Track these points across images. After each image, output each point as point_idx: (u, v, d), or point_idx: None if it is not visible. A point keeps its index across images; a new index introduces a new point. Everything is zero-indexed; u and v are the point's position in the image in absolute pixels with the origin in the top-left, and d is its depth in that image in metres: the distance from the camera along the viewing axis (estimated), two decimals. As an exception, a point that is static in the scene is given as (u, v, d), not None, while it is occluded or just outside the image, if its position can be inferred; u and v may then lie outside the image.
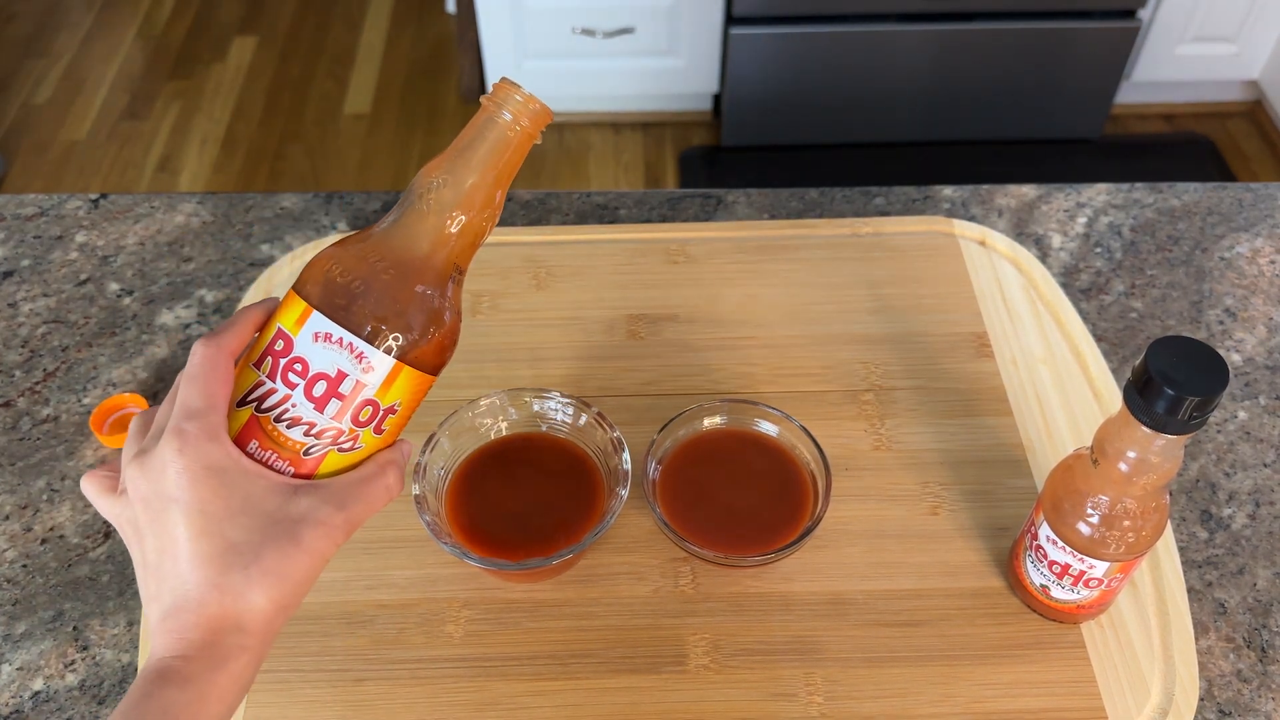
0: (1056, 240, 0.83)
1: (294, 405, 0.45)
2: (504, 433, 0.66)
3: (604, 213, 0.85)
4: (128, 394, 0.72)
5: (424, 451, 0.62)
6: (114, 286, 0.80)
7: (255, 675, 0.43)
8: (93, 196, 0.86)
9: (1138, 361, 0.48)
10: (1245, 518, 0.66)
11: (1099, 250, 0.82)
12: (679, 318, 0.75)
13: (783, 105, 2.02)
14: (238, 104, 2.23)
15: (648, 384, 0.72)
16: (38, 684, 0.60)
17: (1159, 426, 0.48)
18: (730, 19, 1.91)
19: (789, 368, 0.72)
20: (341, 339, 0.45)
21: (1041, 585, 0.58)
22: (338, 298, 0.45)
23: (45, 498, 0.68)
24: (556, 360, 0.73)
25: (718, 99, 2.14)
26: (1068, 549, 0.55)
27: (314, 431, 0.45)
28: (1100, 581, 0.56)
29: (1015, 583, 0.61)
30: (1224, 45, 2.04)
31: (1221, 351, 0.75)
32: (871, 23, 1.89)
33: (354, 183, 2.07)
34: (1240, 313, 0.78)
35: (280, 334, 0.45)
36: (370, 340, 0.45)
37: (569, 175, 2.08)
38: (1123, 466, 0.51)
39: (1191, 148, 2.13)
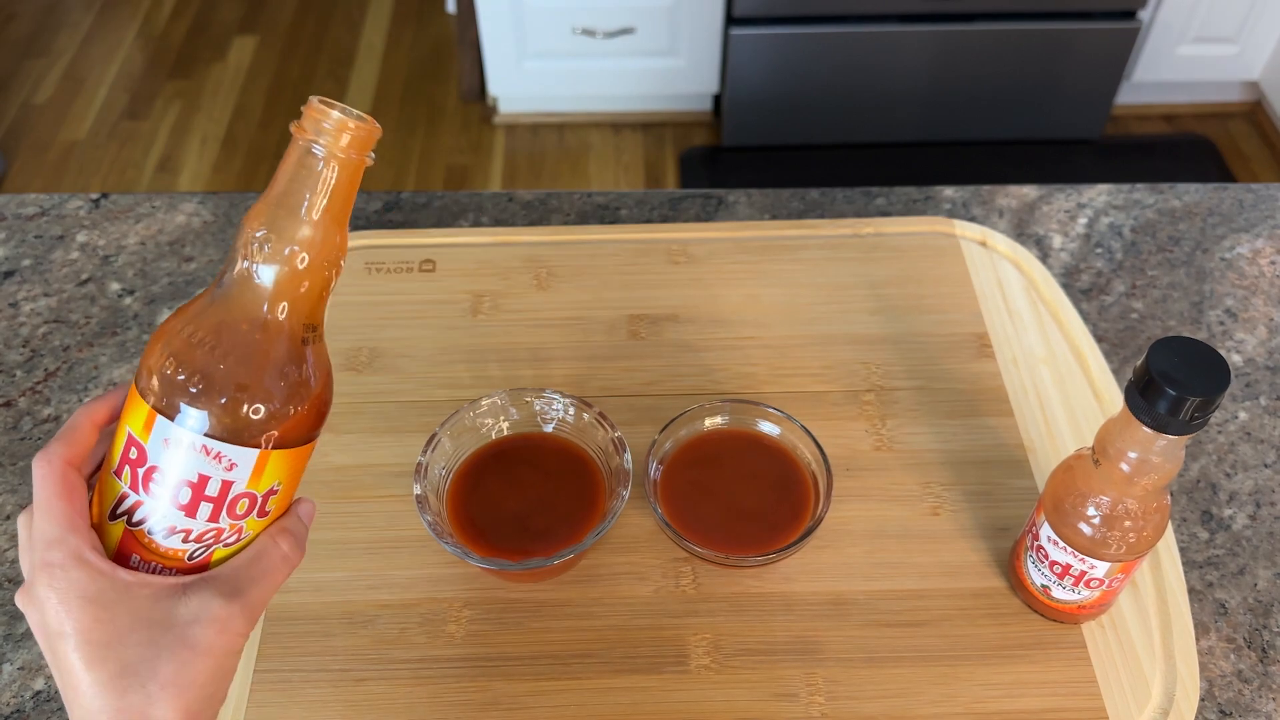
0: (1057, 241, 0.83)
1: (164, 516, 0.41)
2: (505, 433, 0.66)
3: (605, 213, 0.85)
4: (129, 394, 0.72)
5: (425, 451, 0.62)
6: (115, 286, 0.80)
7: None
8: (94, 196, 0.86)
9: (1139, 362, 0.48)
10: (1246, 518, 0.66)
11: (1100, 251, 0.82)
12: (680, 318, 0.76)
13: (783, 105, 2.02)
14: (238, 104, 2.23)
15: (649, 384, 0.72)
16: (39, 683, 0.60)
17: (1160, 427, 0.48)
18: (730, 19, 1.91)
19: (790, 368, 0.72)
20: (194, 443, 0.40)
21: (1043, 585, 0.58)
22: (177, 396, 0.40)
23: (46, 497, 0.67)
24: (558, 360, 0.73)
25: (718, 99, 2.14)
26: (1069, 549, 0.55)
27: (192, 537, 0.42)
28: (1101, 582, 0.56)
29: (1016, 583, 0.61)
30: (1224, 46, 2.04)
31: (1222, 352, 0.75)
32: (871, 23, 1.90)
33: (354, 183, 2.07)
34: (1241, 313, 0.78)
35: (131, 440, 0.41)
36: (225, 438, 0.40)
37: (569, 175, 2.08)
38: (1124, 467, 0.51)
39: (1192, 148, 2.13)
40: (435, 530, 0.58)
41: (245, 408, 0.41)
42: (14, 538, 0.66)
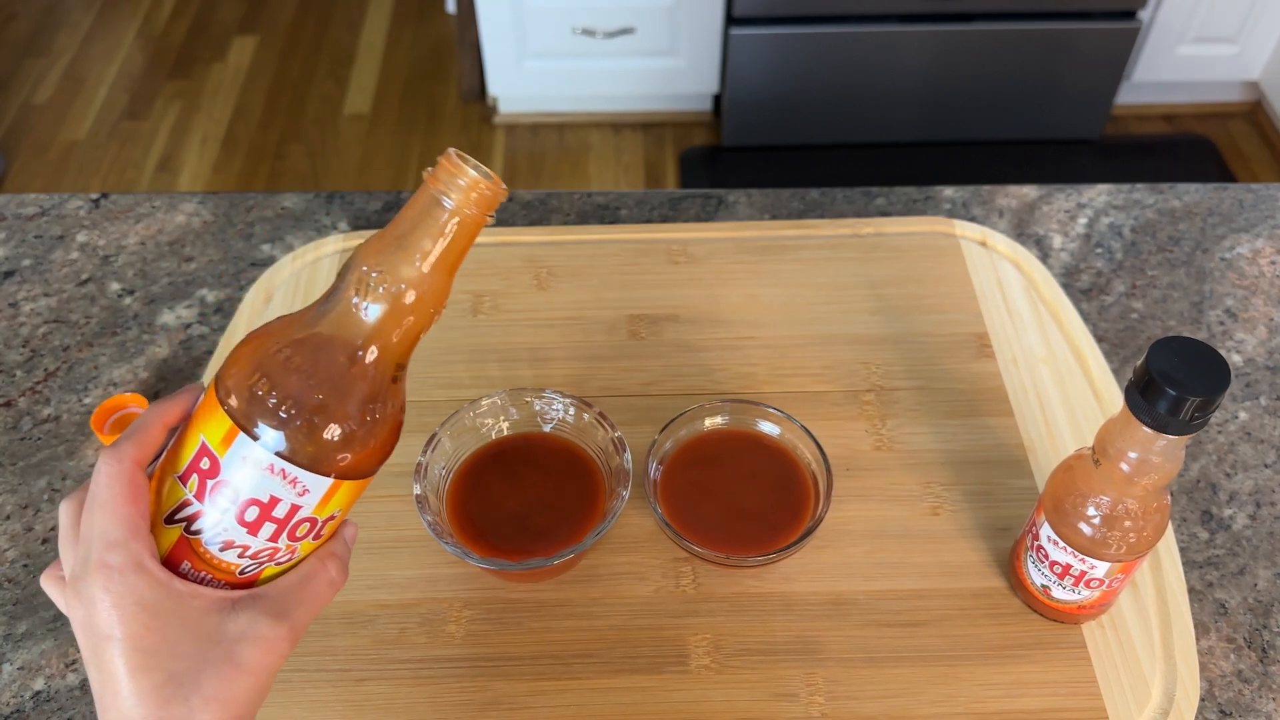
0: (1057, 241, 0.83)
1: (225, 530, 0.42)
2: (505, 433, 0.66)
3: (605, 213, 0.85)
4: (129, 394, 0.72)
5: (425, 451, 0.62)
6: (115, 286, 0.80)
7: None
8: (94, 196, 0.86)
9: (1139, 362, 0.48)
10: (1246, 518, 0.66)
11: (1100, 251, 0.82)
12: (680, 318, 0.76)
13: (783, 105, 2.02)
14: (238, 104, 2.23)
15: (649, 384, 0.72)
16: (39, 683, 0.60)
17: (1160, 427, 0.48)
18: (730, 19, 1.91)
19: (790, 368, 0.72)
20: (273, 465, 0.41)
21: (1043, 586, 0.58)
22: (265, 416, 0.41)
23: (46, 497, 0.67)
24: (558, 360, 0.73)
25: (718, 99, 2.14)
26: (1069, 549, 0.55)
27: (249, 554, 0.42)
28: (1101, 582, 0.56)
29: (1016, 583, 0.61)
30: (1224, 46, 2.04)
31: (1222, 352, 0.75)
32: (871, 23, 1.90)
33: (354, 183, 2.07)
34: (1241, 313, 0.78)
35: (205, 450, 0.42)
36: (304, 465, 0.41)
37: (569, 175, 2.08)
38: (1124, 467, 0.51)
39: (1192, 148, 2.13)
40: (435, 530, 0.58)
41: (331, 438, 0.41)
42: (14, 538, 0.66)
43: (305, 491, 0.42)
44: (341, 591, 0.61)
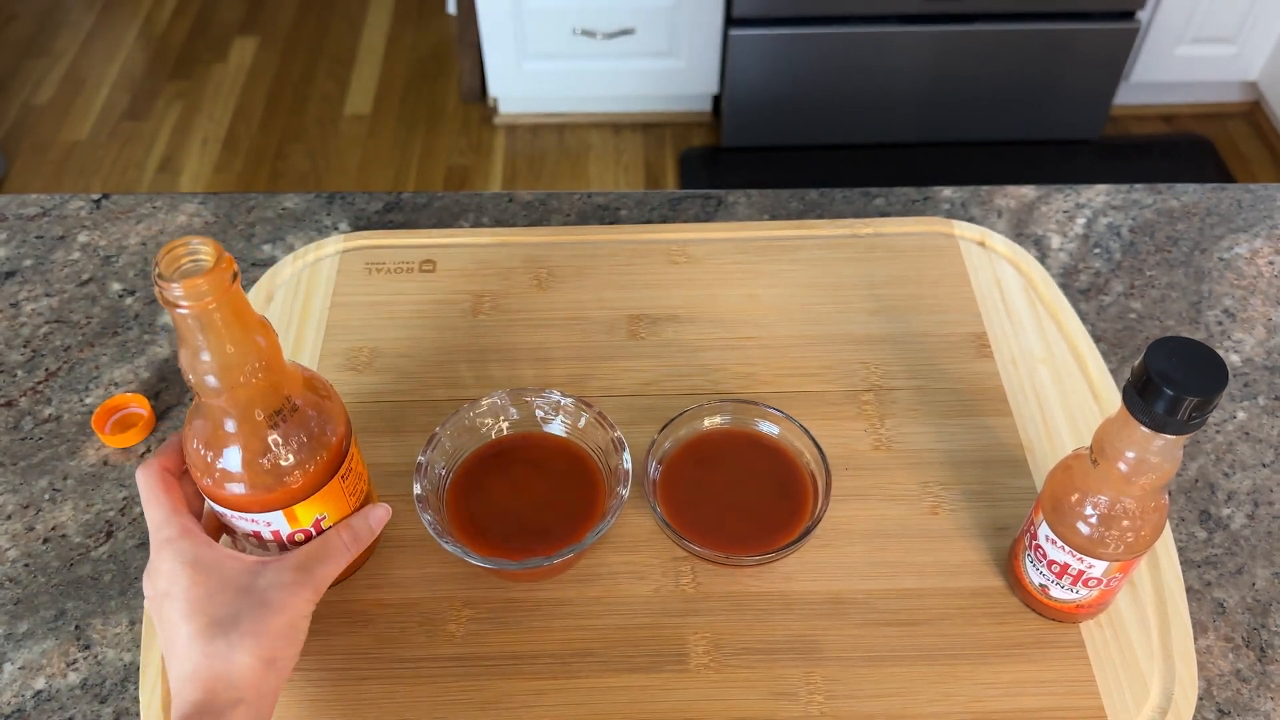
0: (1056, 241, 0.83)
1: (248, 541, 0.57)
2: (505, 432, 0.66)
3: (605, 213, 0.85)
4: (130, 394, 0.72)
5: (425, 451, 0.62)
6: (116, 286, 0.80)
7: None
8: (95, 196, 0.86)
9: (1137, 362, 0.48)
10: (1244, 518, 0.67)
11: (1098, 251, 0.82)
12: (679, 318, 0.76)
13: (783, 106, 2.02)
14: (239, 104, 2.24)
15: (648, 384, 0.72)
16: (40, 683, 0.60)
17: (1158, 427, 0.48)
18: (730, 20, 1.91)
19: (789, 368, 0.73)
20: (233, 516, 0.54)
21: (1041, 585, 0.58)
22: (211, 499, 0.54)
23: (47, 497, 0.68)
24: (557, 360, 0.73)
25: (718, 100, 2.14)
26: (1067, 549, 0.55)
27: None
28: (1099, 581, 0.56)
29: (1014, 582, 0.61)
30: (1223, 46, 2.04)
31: (1220, 352, 0.75)
32: (871, 24, 1.90)
33: (355, 183, 2.08)
34: (1239, 313, 0.78)
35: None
36: (253, 509, 0.54)
37: (569, 176, 2.08)
38: (1122, 467, 0.51)
39: (1191, 149, 2.13)
40: (435, 530, 0.59)
41: (267, 498, 0.53)
42: (15, 538, 0.66)
43: (269, 523, 0.55)
44: (341, 591, 0.62)
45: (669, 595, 0.61)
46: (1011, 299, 0.77)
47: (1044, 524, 0.56)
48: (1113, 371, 0.73)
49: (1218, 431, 0.71)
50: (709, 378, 0.72)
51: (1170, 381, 0.47)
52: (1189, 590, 0.63)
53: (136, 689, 0.59)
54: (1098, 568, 0.55)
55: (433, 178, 2.09)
